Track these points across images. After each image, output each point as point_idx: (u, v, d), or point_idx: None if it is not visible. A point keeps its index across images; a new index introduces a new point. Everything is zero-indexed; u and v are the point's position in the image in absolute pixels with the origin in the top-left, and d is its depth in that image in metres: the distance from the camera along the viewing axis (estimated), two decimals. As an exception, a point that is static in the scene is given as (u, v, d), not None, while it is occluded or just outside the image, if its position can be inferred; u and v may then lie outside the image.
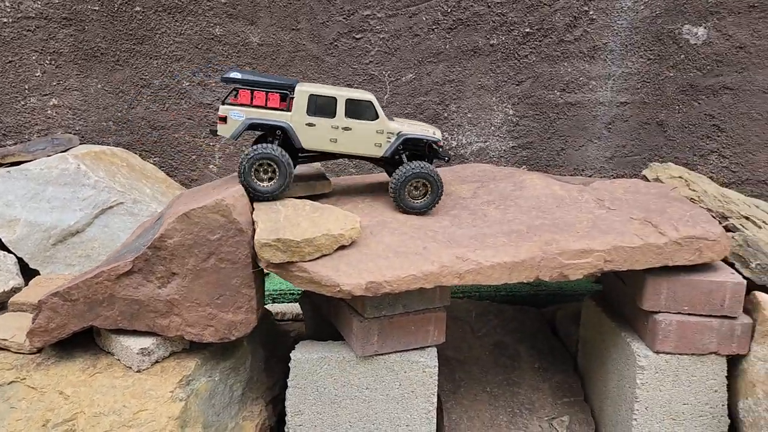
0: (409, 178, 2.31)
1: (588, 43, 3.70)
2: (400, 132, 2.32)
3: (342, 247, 2.14)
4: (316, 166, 2.75)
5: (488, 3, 3.61)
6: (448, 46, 3.68)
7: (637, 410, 2.40)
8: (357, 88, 2.90)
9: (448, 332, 3.20)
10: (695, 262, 2.28)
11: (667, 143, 3.91)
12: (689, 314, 2.34)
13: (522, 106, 3.80)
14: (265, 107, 2.25)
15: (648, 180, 3.12)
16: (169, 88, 3.66)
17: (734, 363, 2.41)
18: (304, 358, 2.30)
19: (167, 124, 3.70)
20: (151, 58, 3.60)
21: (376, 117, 2.29)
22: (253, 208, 2.25)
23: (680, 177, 3.05)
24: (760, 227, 2.64)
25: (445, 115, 3.79)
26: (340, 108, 2.26)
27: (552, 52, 3.71)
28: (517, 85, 3.76)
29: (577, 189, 2.60)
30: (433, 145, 2.38)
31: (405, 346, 2.30)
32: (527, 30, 3.67)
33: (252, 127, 2.24)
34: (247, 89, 2.24)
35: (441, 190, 2.35)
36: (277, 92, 2.26)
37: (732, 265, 2.45)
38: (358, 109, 2.27)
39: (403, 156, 2.35)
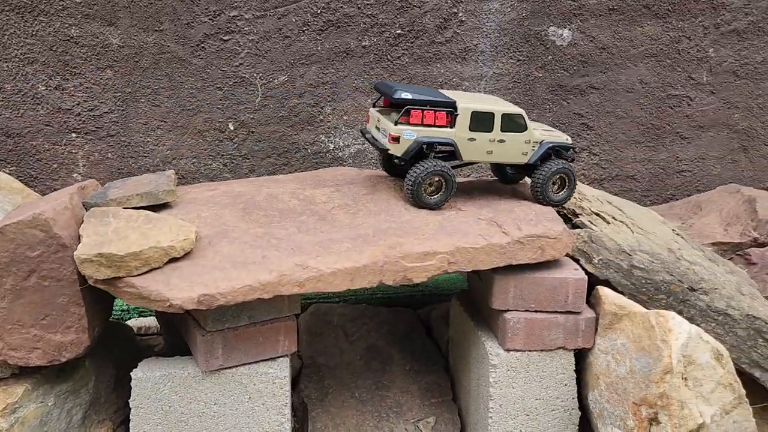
0: (553, 174, 2.53)
1: (459, 45, 3.74)
2: (543, 141, 2.52)
3: (175, 260, 2.04)
4: (167, 173, 2.64)
5: (358, 5, 3.59)
6: (320, 48, 3.63)
7: (492, 408, 2.43)
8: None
9: (321, 338, 3.17)
10: (538, 260, 2.33)
11: (541, 142, 4.00)
12: (536, 311, 2.38)
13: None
14: (435, 126, 2.37)
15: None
16: (23, 93, 3.43)
17: (582, 356, 2.48)
18: (146, 376, 2.19)
19: (23, 131, 3.47)
20: (0, 61, 3.37)
21: (526, 128, 2.48)
22: (83, 221, 2.12)
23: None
24: (608, 223, 2.73)
25: (321, 117, 3.74)
26: (497, 122, 2.42)
27: (424, 54, 3.73)
28: (394, 86, 3.75)
29: (433, 191, 2.60)
30: (564, 149, 2.58)
31: (253, 358, 2.23)
32: (399, 32, 3.67)
33: (422, 144, 2.36)
34: (419, 109, 2.34)
35: (575, 183, 2.61)
36: (443, 110, 2.37)
37: (578, 261, 2.51)
38: (510, 123, 2.44)
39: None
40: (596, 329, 2.42)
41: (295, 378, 2.93)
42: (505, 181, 2.85)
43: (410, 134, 2.34)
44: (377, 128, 2.52)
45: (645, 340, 2.17)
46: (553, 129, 2.71)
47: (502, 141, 2.45)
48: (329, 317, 3.28)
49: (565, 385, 2.44)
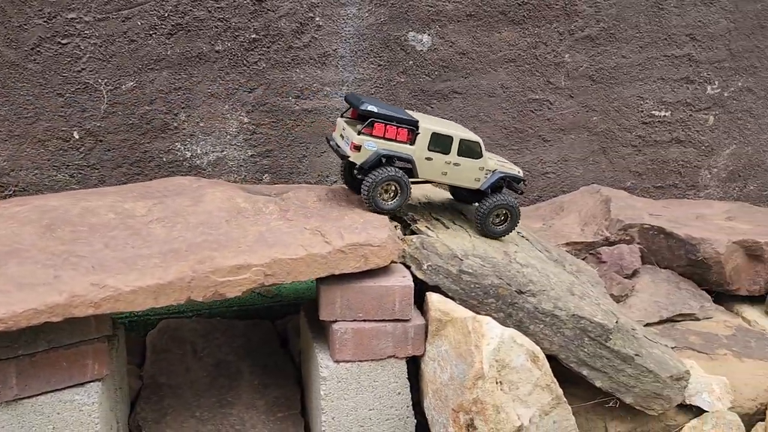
0: (493, 209, 2.67)
1: (318, 50, 3.69)
2: (496, 170, 2.66)
3: (-50, 284, 1.88)
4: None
5: (208, 8, 3.47)
6: (170, 52, 3.49)
7: (325, 421, 2.37)
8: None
9: (167, 356, 3.02)
10: (362, 268, 2.29)
11: (406, 147, 4.01)
12: (364, 321, 2.35)
13: (257, 114, 3.71)
14: (395, 140, 2.48)
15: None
16: None
17: (416, 364, 2.46)
18: (-69, 411, 2.00)
19: None
20: None
21: (481, 156, 2.61)
22: None
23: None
24: (447, 228, 2.74)
25: (175, 124, 3.59)
26: (455, 146, 2.56)
27: (282, 59, 3.65)
28: (250, 92, 3.66)
29: (265, 200, 2.53)
30: (514, 181, 2.74)
31: (56, 386, 2.08)
32: (254, 36, 3.57)
33: (381, 156, 2.45)
34: (382, 123, 2.45)
35: (517, 219, 2.76)
36: (405, 127, 2.48)
37: (409, 268, 2.50)
38: (467, 149, 2.57)
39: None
40: (426, 336, 2.41)
41: (133, 400, 2.78)
42: (458, 199, 3.01)
43: (371, 145, 2.45)
44: (341, 136, 2.61)
45: (463, 345, 2.17)
46: (507, 161, 2.85)
47: (457, 164, 2.58)
48: (179, 333, 3.15)
49: (399, 393, 2.42)
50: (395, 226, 2.77)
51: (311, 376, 2.55)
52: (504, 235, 2.79)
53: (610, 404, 2.64)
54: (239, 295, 2.12)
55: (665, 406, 2.62)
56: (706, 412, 2.70)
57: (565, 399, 2.27)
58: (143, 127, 3.55)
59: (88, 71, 3.40)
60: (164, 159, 3.63)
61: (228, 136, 3.70)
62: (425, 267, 2.44)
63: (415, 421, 2.49)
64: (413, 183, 2.63)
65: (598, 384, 2.57)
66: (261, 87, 3.67)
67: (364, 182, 2.51)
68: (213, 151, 3.70)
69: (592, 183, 4.44)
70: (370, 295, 2.31)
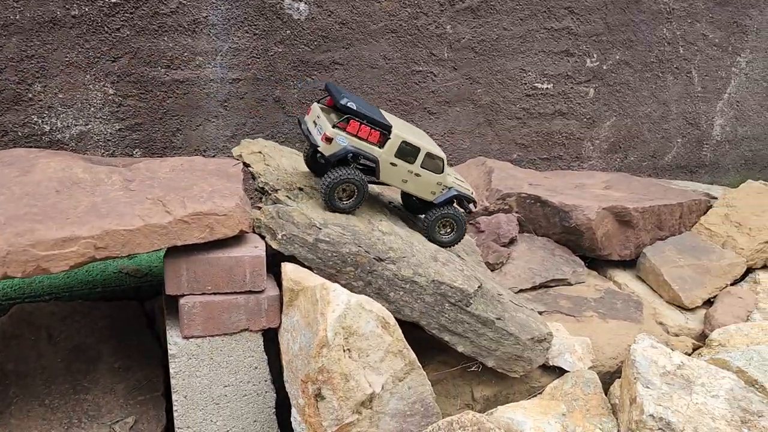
0: (439, 218, 2.76)
1: (187, 17, 3.51)
2: (452, 188, 2.75)
3: None
4: None
5: (60, -31, 3.23)
6: (19, 17, 3.23)
7: (177, 401, 2.27)
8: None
9: (18, 342, 2.82)
10: (208, 238, 2.19)
11: (288, 119, 3.91)
12: (214, 294, 2.25)
13: (123, 85, 3.50)
14: (366, 140, 2.51)
15: (234, 156, 3.02)
16: None
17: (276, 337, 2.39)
18: None
19: None
20: None
21: (442, 172, 2.69)
22: None
23: (259, 152, 2.99)
24: (311, 197, 2.67)
25: (30, 95, 3.34)
26: (420, 158, 2.62)
27: (148, 26, 3.45)
28: (113, 61, 3.45)
29: (108, 171, 2.38)
30: (467, 202, 2.81)
31: None
32: (114, 0, 3.36)
33: (349, 153, 2.48)
34: (358, 121, 2.49)
35: (464, 230, 2.83)
36: (378, 130, 2.53)
37: (264, 238, 2.42)
38: (431, 162, 2.64)
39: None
40: (282, 307, 2.34)
41: (-25, 391, 2.58)
42: (408, 208, 3.04)
43: (343, 140, 2.47)
44: (314, 123, 2.61)
45: (311, 314, 2.12)
46: (464, 180, 2.93)
47: (418, 175, 2.64)
48: (34, 318, 2.94)
49: (255, 368, 2.35)
50: (260, 198, 2.68)
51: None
52: (451, 246, 2.86)
53: (473, 368, 2.66)
54: (66, 270, 1.97)
55: (526, 368, 2.66)
56: (568, 372, 2.77)
57: (419, 364, 2.26)
58: (-7, 98, 3.28)
59: (-77, 36, 3.10)
60: (19, 133, 3.37)
61: (92, 109, 3.48)
62: (280, 236, 2.37)
63: (275, 396, 2.42)
64: (373, 184, 2.68)
65: (460, 349, 2.58)
66: (126, 56, 3.46)
67: (323, 180, 2.52)
68: (76, 125, 3.47)
69: (479, 155, 4.49)
70: (218, 267, 2.22)
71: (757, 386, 2.69)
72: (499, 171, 4.02)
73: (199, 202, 2.20)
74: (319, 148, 2.49)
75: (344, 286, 2.41)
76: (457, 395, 2.73)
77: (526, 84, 4.46)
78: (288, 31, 3.74)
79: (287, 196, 2.59)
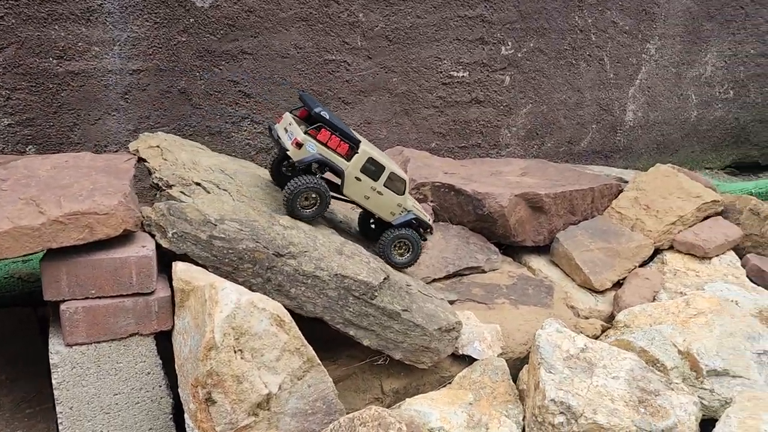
0: (395, 239, 2.82)
1: (80, 4, 3.31)
2: (410, 211, 2.83)
3: None
4: None
5: (-69, -48, 2.98)
6: None
7: (61, 413, 2.14)
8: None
9: None
10: (88, 239, 2.06)
11: (195, 112, 3.76)
12: (98, 298, 2.13)
13: (11, 77, 3.28)
14: (335, 151, 2.56)
15: (130, 151, 2.87)
16: None
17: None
18: None
19: None
20: None
21: (403, 194, 2.77)
22: None
23: (158, 146, 2.86)
24: (209, 192, 2.56)
25: None
26: (383, 177, 2.68)
27: (36, 14, 3.24)
28: (-2, 51, 3.22)
29: (-20, 170, 2.20)
30: (422, 228, 2.90)
31: None
32: (-4, -13, 3.14)
33: (317, 161, 2.53)
34: (329, 131, 2.55)
35: (419, 251, 2.90)
36: (348, 143, 2.58)
37: (155, 237, 2.30)
38: (393, 183, 2.72)
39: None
40: (174, 309, 2.23)
41: None
42: (362, 233, 3.02)
43: (312, 147, 2.52)
44: (285, 130, 2.64)
45: (200, 315, 2.03)
46: (422, 208, 3.00)
47: (380, 193, 2.70)
48: None
49: (149, 373, 2.24)
50: (156, 195, 2.56)
51: (52, 364, 2.29)
52: (406, 267, 2.90)
53: (379, 362, 2.63)
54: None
55: (434, 359, 2.65)
56: (477, 360, 2.77)
57: (318, 361, 2.20)
58: None
59: None
60: None
61: (-24, 103, 3.25)
62: (170, 234, 2.26)
63: (173, 401, 2.31)
64: (336, 199, 2.72)
65: (366, 343, 2.54)
66: (12, 46, 3.24)
67: (287, 186, 2.54)
68: (-42, 121, 3.23)
69: (397, 145, 4.46)
70: (102, 269, 2.09)
71: (658, 365, 2.77)
72: (415, 160, 4.00)
73: (77, 201, 2.06)
74: (288, 153, 2.53)
75: (242, 284, 2.33)
76: (367, 389, 2.70)
77: (441, 72, 4.45)
78: (191, 20, 3.59)
79: (182, 192, 2.48)
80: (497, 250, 3.67)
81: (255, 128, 3.95)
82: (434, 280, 3.30)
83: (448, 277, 3.36)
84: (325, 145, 2.57)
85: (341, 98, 4.16)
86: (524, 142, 5.02)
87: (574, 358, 2.51)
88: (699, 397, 2.68)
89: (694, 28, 5.41)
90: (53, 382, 2.11)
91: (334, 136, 2.58)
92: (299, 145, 2.52)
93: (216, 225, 2.34)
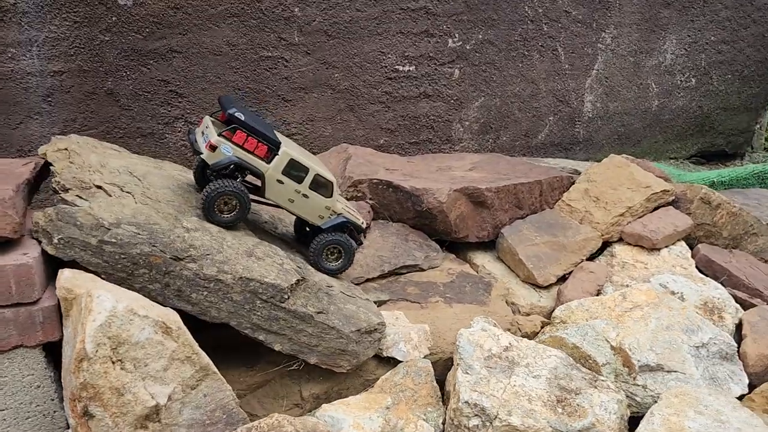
0: (326, 245, 2.70)
1: (-9, 4, 3.20)
2: (341, 214, 2.70)
3: None
4: None
5: None
6: None
7: (-59, 432, 2.01)
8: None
9: None
10: (-42, 249, 1.94)
11: (124, 113, 3.65)
12: (-24, 309, 2.01)
13: None
14: (252, 153, 2.46)
15: (40, 155, 2.75)
16: None
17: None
18: None
19: None
20: None
21: (331, 196, 2.65)
22: None
23: (65, 149, 2.74)
24: (110, 195, 2.45)
25: None
26: (308, 179, 2.57)
27: (-56, 15, 3.13)
28: None
29: None
30: (356, 231, 2.80)
31: None
32: None
33: (233, 164, 2.43)
34: (245, 132, 2.44)
35: (351, 257, 2.77)
36: (266, 144, 2.48)
37: (41, 243, 2.18)
38: (319, 185, 2.60)
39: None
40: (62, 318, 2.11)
41: None
42: (299, 240, 2.95)
43: (227, 150, 2.42)
44: (202, 133, 2.54)
45: (78, 325, 1.91)
46: (354, 209, 2.88)
47: (306, 196, 2.60)
48: None
49: (38, 387, 2.12)
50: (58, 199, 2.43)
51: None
52: (340, 273, 2.80)
53: (294, 366, 2.52)
54: None
55: (353, 362, 2.54)
56: (401, 362, 2.66)
57: (214, 369, 2.09)
58: None
59: None
60: None
61: None
62: (56, 240, 2.14)
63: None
64: (260, 203, 2.64)
65: (277, 348, 2.43)
66: None
67: (204, 191, 2.46)
68: None
69: (344, 142, 4.34)
70: (-24, 279, 1.97)
71: (590, 362, 2.66)
72: (356, 158, 3.89)
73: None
74: (202, 156, 2.44)
75: (139, 290, 2.22)
76: (286, 395, 2.59)
77: (386, 67, 4.35)
78: (114, 18, 3.47)
79: (78, 195, 2.36)
80: (438, 247, 3.56)
81: (190, 129, 3.83)
82: (368, 280, 3.19)
83: (383, 276, 3.25)
84: (241, 147, 2.47)
85: (281, 96, 4.05)
86: (478, 137, 4.92)
87: (496, 358, 2.41)
88: (631, 393, 2.58)
89: (651, 16, 5.32)
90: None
91: (251, 137, 2.49)
92: (213, 148, 2.42)
93: (110, 229, 2.22)
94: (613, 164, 4.28)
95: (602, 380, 2.41)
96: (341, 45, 4.14)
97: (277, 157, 2.54)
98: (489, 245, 3.79)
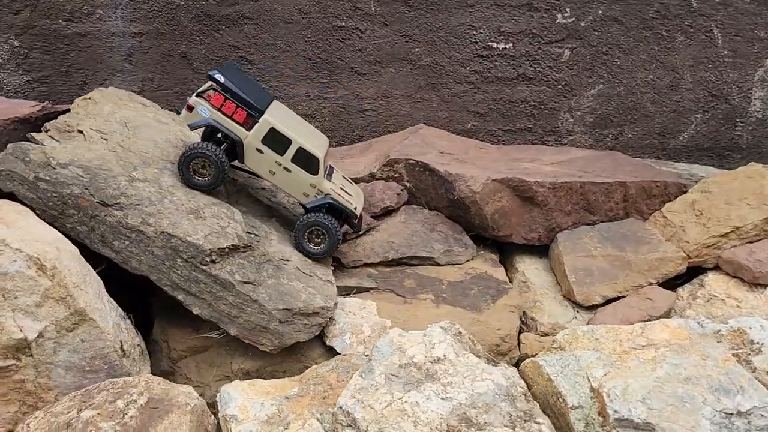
0: (308, 225, 2.53)
1: (83, -31, 3.55)
2: (328, 195, 2.53)
3: None
4: None
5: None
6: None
7: None
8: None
9: None
10: None
11: (196, 76, 3.81)
12: None
13: (28, 38, 3.63)
14: (230, 117, 2.41)
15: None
16: None
17: None
18: None
19: None
20: None
21: (316, 173, 2.49)
22: None
23: (90, 98, 2.94)
24: (86, 140, 2.56)
25: (-60, 47, 3.58)
26: (290, 152, 2.44)
27: (45, -21, 3.55)
28: (16, 14, 3.59)
29: None
30: (347, 214, 2.62)
31: None
32: (11, -46, 3.49)
33: (210, 127, 2.41)
34: (223, 95, 2.40)
35: (336, 242, 2.57)
36: (245, 110, 2.41)
37: (-7, 175, 2.34)
38: (304, 159, 2.46)
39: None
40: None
41: None
42: None
43: (204, 111, 2.40)
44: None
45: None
46: (354, 194, 2.73)
47: (287, 170, 2.47)
48: None
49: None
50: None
51: None
52: (321, 257, 2.61)
53: (212, 335, 2.38)
54: None
55: (275, 342, 2.33)
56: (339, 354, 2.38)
57: (92, 317, 2.05)
58: None
59: None
60: (-63, 81, 3.64)
61: (0, 60, 3.65)
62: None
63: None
64: (239, 169, 2.60)
65: (196, 311, 2.32)
66: (27, 8, 3.58)
67: (181, 153, 2.45)
68: (-19, 78, 3.67)
69: (423, 122, 4.05)
70: None
71: (559, 400, 2.11)
72: (416, 137, 3.61)
73: None
74: (180, 117, 2.46)
75: (70, 230, 2.28)
76: (219, 365, 2.48)
77: (477, 43, 3.94)
78: (189, -17, 3.63)
79: (52, 136, 2.51)
80: (470, 243, 3.13)
81: (259, 96, 3.88)
82: (365, 265, 2.92)
83: (386, 263, 2.95)
84: (219, 110, 2.42)
85: (354, 68, 3.90)
86: (593, 131, 4.23)
87: (412, 368, 2.01)
88: (599, 452, 1.99)
89: None
90: None
91: (229, 101, 2.42)
92: (190, 109, 2.41)
93: (55, 169, 2.31)
94: (744, 174, 3.39)
95: (537, 425, 1.88)
96: (424, 17, 3.85)
97: (257, 124, 2.43)
98: (544, 250, 3.24)
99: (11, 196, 2.29)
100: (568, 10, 3.92)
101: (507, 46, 3.96)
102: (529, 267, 3.14)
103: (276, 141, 2.45)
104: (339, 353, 2.39)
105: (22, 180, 2.28)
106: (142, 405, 1.85)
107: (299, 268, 2.49)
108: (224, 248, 2.31)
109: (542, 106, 4.11)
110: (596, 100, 4.14)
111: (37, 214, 2.26)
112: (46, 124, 2.54)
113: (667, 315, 2.75)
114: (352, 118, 3.99)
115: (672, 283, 2.98)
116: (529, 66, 4.01)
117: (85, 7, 3.60)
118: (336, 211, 2.62)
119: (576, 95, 4.11)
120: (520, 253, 3.24)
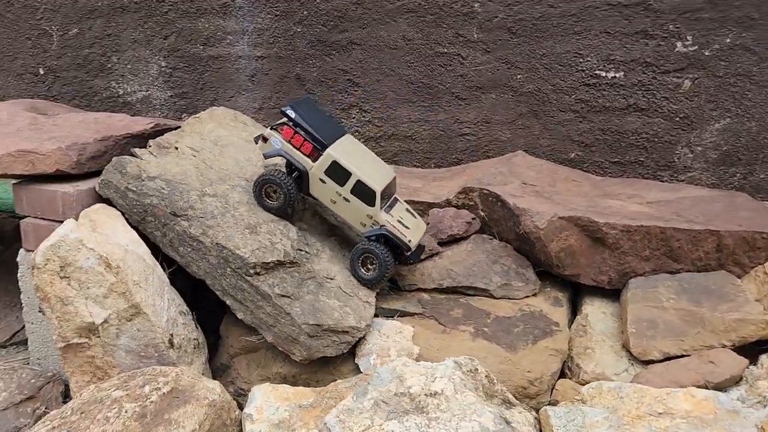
0: (362, 252, 2.71)
1: (218, 0, 4.04)
2: (383, 226, 2.69)
3: None
4: None
5: (124, -36, 4.07)
6: (101, 4, 4.18)
7: (23, 300, 2.86)
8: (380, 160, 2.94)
9: None
10: (31, 172, 2.69)
11: (311, 97, 4.14)
12: (41, 218, 2.75)
13: (172, 59, 4.22)
14: (298, 149, 2.67)
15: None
16: None
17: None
18: None
19: None
20: None
21: (373, 205, 2.65)
22: None
23: (199, 117, 3.36)
24: (179, 156, 2.96)
25: (109, 65, 4.30)
26: (350, 183, 2.64)
27: (188, 9, 4.09)
28: (164, 39, 4.18)
29: (30, 116, 3.07)
30: (403, 248, 2.74)
31: None
32: (162, -12, 4.08)
33: (279, 156, 2.70)
34: (292, 129, 2.69)
35: (387, 271, 2.70)
36: (311, 143, 2.67)
37: (99, 182, 2.81)
38: (362, 192, 2.64)
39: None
40: (90, 241, 2.71)
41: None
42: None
43: (276, 142, 2.68)
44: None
45: (58, 243, 2.45)
46: (413, 228, 2.81)
47: (347, 200, 2.66)
48: None
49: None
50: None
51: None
52: (372, 285, 2.76)
53: (251, 339, 2.63)
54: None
55: (304, 354, 2.52)
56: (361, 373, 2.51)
57: (146, 312, 2.40)
58: (86, 66, 4.33)
59: (44, 20, 4.28)
60: (104, 95, 4.37)
61: (150, 78, 4.29)
62: (100, 180, 2.74)
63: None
64: (308, 196, 2.77)
65: (240, 316, 2.59)
66: (173, 35, 4.16)
67: (257, 177, 2.74)
68: (139, 90, 4.33)
69: (523, 149, 4.01)
70: (42, 198, 2.71)
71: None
72: (504, 166, 3.60)
73: (32, 141, 2.72)
74: (257, 147, 2.76)
75: (148, 234, 2.67)
76: (264, 366, 2.73)
77: (583, 71, 3.81)
78: (305, 12, 3.97)
79: (151, 151, 2.93)
80: (534, 278, 3.07)
81: (363, 117, 4.12)
82: (419, 289, 3.01)
83: (440, 290, 3.01)
84: (288, 142, 2.68)
85: (454, 93, 3.97)
86: (716, 168, 3.88)
87: (404, 398, 2.09)
88: None
89: None
90: (18, 275, 2.83)
91: (297, 135, 2.67)
92: (265, 140, 2.71)
93: (144, 181, 2.72)
94: None
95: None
96: (527, 44, 3.81)
97: (321, 156, 2.65)
98: (611, 294, 3.08)
99: (108, 201, 2.74)
100: (689, 38, 3.64)
101: (617, 75, 3.77)
102: (595, 310, 3.00)
103: (337, 173, 2.64)
104: (361, 372, 2.51)
105: (116, 189, 2.71)
106: (165, 393, 2.14)
107: (341, 287, 2.66)
108: (269, 263, 2.55)
109: (656, 139, 3.85)
110: (721, 135, 3.78)
111: (126, 219, 2.68)
112: (150, 140, 2.98)
113: (731, 384, 2.49)
114: (451, 142, 4.07)
115: (755, 350, 2.68)
116: (642, 96, 3.78)
117: (219, 33, 4.09)
118: (391, 241, 2.74)
119: (697, 129, 3.79)
120: (591, 295, 3.10)
